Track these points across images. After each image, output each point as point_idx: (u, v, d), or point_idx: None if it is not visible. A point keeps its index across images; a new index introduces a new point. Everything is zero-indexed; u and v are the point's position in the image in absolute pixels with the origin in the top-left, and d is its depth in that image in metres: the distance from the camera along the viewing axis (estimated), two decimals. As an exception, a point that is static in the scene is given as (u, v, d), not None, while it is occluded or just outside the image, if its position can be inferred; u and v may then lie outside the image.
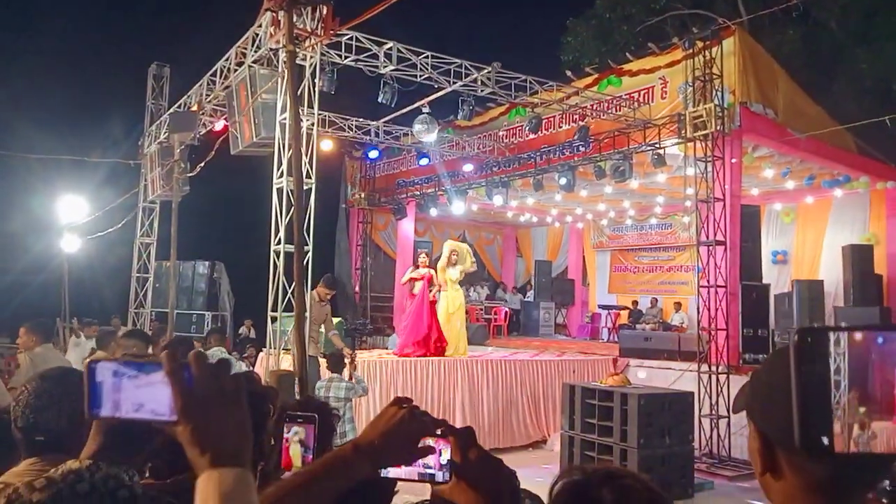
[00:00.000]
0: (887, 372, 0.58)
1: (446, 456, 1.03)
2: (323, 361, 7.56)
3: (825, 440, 0.59)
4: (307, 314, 6.66)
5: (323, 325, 8.26)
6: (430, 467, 1.04)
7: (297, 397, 5.18)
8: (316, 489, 0.95)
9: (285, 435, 1.48)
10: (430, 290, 10.07)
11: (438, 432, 1.03)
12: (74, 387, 1.73)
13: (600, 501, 1.02)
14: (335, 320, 10.21)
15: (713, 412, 8.99)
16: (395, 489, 1.38)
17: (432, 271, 10.21)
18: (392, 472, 1.04)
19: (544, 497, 1.34)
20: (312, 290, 7.75)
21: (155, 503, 1.27)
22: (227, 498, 0.76)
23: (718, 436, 8.93)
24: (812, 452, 0.60)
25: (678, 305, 15.42)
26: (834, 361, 0.59)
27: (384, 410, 1.03)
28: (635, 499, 1.02)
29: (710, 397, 9.05)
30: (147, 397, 0.82)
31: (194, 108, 10.64)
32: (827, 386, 0.59)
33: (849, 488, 0.79)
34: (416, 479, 1.05)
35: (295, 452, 1.47)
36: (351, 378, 6.68)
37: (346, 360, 6.73)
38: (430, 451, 1.02)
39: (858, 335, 0.59)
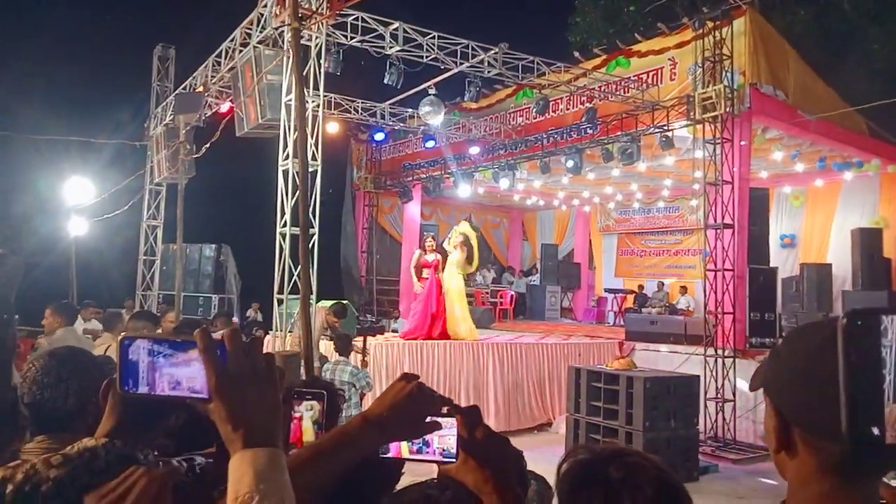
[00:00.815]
0: None
1: (453, 435, 1.02)
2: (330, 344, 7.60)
3: (875, 431, 0.56)
4: (312, 299, 6.66)
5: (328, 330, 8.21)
6: (437, 448, 1.02)
7: (303, 378, 5.19)
8: (325, 462, 0.94)
9: (295, 412, 1.47)
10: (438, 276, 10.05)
11: (444, 410, 1.02)
12: (83, 366, 1.73)
13: (608, 479, 1.01)
14: (342, 303, 10.20)
15: (719, 396, 8.99)
16: (402, 470, 1.38)
17: (440, 257, 10.19)
18: (393, 452, 1.03)
19: (550, 478, 1.33)
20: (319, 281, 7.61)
21: None
22: (262, 477, 0.77)
23: (724, 419, 8.94)
24: (861, 443, 0.57)
25: (684, 289, 15.38)
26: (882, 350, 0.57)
27: (392, 385, 1.02)
28: (643, 476, 1.01)
29: (716, 381, 9.05)
30: (183, 375, 0.82)
31: (200, 89, 10.60)
32: (878, 373, 0.56)
33: (864, 470, 0.78)
34: (425, 459, 1.04)
35: (307, 428, 1.46)
36: (363, 363, 6.68)
37: (356, 350, 6.72)
38: (436, 426, 1.01)
39: None
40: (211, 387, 0.80)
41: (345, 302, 9.17)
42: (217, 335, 0.83)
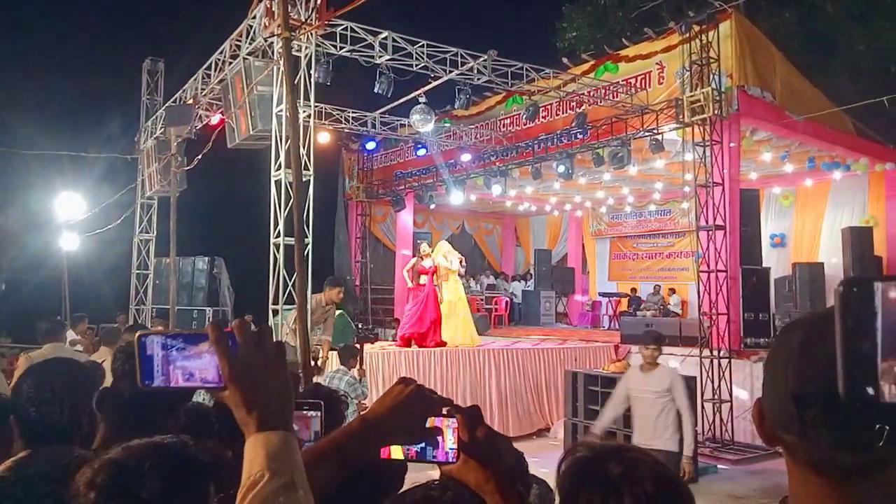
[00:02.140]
0: None
1: (452, 437, 1.02)
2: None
3: (870, 391, 0.59)
4: (308, 307, 6.65)
5: (322, 326, 8.04)
6: (448, 451, 1.02)
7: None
8: (324, 465, 0.95)
9: None
10: (436, 283, 10.08)
11: (444, 411, 1.02)
12: (75, 378, 1.72)
13: (608, 475, 1.01)
14: (337, 312, 10.15)
15: (716, 396, 9.01)
16: (405, 472, 1.37)
17: (437, 262, 10.22)
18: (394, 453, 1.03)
19: (550, 482, 1.33)
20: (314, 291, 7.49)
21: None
22: (273, 458, 0.81)
23: (721, 420, 8.95)
24: (856, 403, 0.60)
25: (672, 290, 15.50)
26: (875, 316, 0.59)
27: (391, 388, 1.02)
28: (643, 472, 1.02)
29: (713, 382, 9.07)
30: (196, 367, 0.87)
31: (190, 101, 10.60)
32: (872, 336, 0.59)
33: (856, 473, 0.75)
34: (428, 460, 1.04)
35: None
36: (360, 373, 6.67)
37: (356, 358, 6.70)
38: (437, 432, 1.01)
39: (893, 293, 0.59)
40: (224, 374, 0.85)
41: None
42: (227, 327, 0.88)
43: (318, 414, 1.49)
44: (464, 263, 11.09)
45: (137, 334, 0.88)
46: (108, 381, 1.85)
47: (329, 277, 8.38)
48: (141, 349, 0.87)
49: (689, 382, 7.79)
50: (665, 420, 5.08)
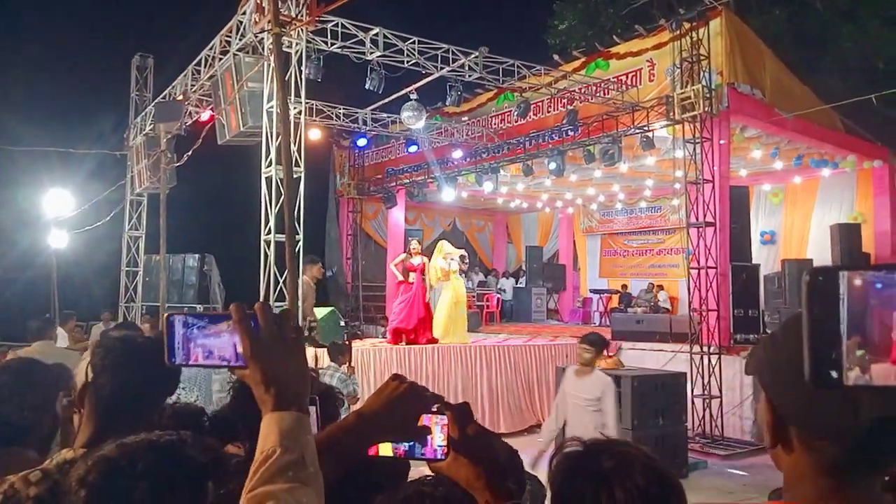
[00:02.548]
0: (885, 316, 0.61)
1: (441, 435, 1.03)
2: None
3: (834, 374, 0.61)
4: (302, 303, 6.63)
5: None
6: (436, 448, 1.03)
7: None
8: (322, 459, 0.95)
9: None
10: (424, 280, 10.07)
11: (434, 408, 1.03)
12: (38, 378, 1.70)
13: (600, 469, 1.02)
14: (328, 309, 10.15)
15: (705, 392, 9.07)
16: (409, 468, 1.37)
17: (426, 260, 10.19)
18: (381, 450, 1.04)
19: (541, 478, 1.34)
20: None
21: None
22: (286, 436, 0.86)
23: (711, 416, 9.01)
24: (821, 386, 0.62)
25: (659, 287, 15.60)
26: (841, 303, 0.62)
27: (385, 384, 1.03)
28: (634, 465, 1.03)
29: (703, 378, 9.12)
30: (215, 345, 0.91)
31: (179, 97, 10.54)
32: (837, 323, 0.61)
33: (860, 471, 0.76)
34: (418, 457, 1.04)
35: None
36: (349, 370, 6.67)
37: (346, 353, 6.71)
38: (426, 431, 1.02)
39: (858, 281, 0.61)
40: (246, 353, 0.89)
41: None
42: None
43: (313, 409, 1.49)
44: (466, 260, 11.06)
45: (167, 314, 0.92)
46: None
47: (305, 257, 8.28)
48: (169, 328, 0.91)
49: (680, 378, 7.90)
50: (594, 432, 4.71)
